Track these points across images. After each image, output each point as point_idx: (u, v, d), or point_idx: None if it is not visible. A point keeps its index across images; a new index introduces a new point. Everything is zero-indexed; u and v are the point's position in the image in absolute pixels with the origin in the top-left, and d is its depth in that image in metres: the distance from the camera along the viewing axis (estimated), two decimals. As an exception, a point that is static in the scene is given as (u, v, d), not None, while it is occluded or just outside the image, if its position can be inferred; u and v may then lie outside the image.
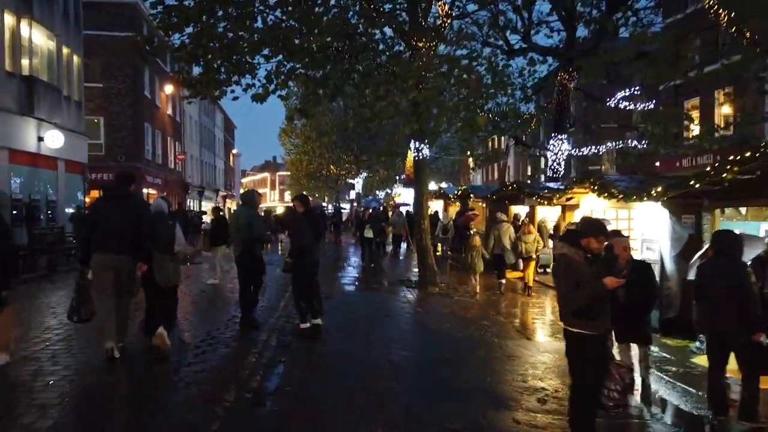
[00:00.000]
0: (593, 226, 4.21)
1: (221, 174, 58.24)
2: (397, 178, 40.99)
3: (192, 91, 11.32)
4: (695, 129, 22.08)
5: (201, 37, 10.65)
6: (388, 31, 12.01)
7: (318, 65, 11.24)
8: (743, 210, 7.90)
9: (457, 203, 23.65)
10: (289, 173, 52.24)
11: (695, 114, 23.54)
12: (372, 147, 40.38)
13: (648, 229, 9.61)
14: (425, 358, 6.88)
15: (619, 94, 18.24)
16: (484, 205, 19.96)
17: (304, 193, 8.44)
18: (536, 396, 5.56)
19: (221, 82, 11.27)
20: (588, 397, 4.17)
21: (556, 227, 13.75)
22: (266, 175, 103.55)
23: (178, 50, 10.38)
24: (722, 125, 19.31)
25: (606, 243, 5.78)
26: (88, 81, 26.96)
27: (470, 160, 60.30)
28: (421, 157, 12.48)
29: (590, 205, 11.51)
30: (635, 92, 19.56)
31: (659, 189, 7.78)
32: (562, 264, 4.16)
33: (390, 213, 22.23)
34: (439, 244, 19.22)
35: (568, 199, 11.54)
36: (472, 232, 19.63)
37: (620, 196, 8.79)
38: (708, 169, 6.84)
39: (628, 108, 19.43)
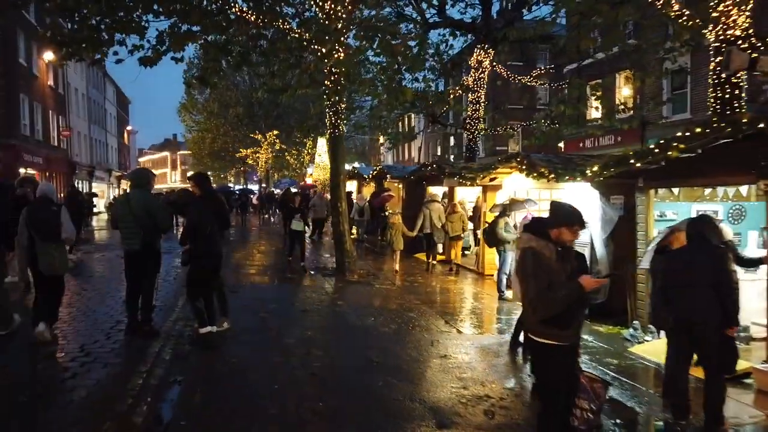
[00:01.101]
0: (567, 214, 3.45)
1: (114, 152, 53.62)
2: (310, 160, 39.54)
3: (64, 52, 9.51)
4: (597, 111, 22.78)
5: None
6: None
7: (217, 28, 9.84)
8: (676, 191, 7.63)
9: (372, 184, 22.89)
10: (190, 152, 48.96)
11: (595, 97, 24.26)
12: (281, 125, 38.63)
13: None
14: (351, 364, 5.97)
15: (528, 75, 18.29)
16: (401, 185, 19.32)
17: (203, 172, 7.15)
18: (482, 407, 4.84)
19: (101, 42, 9.56)
20: (559, 421, 3.45)
21: (476, 209, 13.30)
22: (166, 154, 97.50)
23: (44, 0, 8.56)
24: (627, 106, 19.74)
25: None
26: (-54, 44, 23.34)
27: (381, 139, 60.01)
28: (337, 134, 11.43)
29: (513, 185, 11.08)
30: (541, 72, 19.66)
31: (595, 168, 7.32)
32: (529, 260, 3.37)
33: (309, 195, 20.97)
34: (354, 228, 18.37)
35: (492, 180, 11.03)
36: (388, 213, 19.01)
37: (551, 176, 8.31)
38: (652, 146, 6.39)
39: (539, 86, 19.56)
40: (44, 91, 32.23)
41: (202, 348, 6.16)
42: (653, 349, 6.50)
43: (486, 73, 16.72)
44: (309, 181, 34.55)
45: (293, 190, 18.11)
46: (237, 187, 47.33)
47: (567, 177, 7.92)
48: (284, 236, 15.24)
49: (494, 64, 16.81)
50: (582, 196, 9.20)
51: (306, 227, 18.15)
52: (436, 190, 15.44)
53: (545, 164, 8.84)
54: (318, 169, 32.48)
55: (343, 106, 11.53)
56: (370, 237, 19.70)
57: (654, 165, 6.62)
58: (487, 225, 9.93)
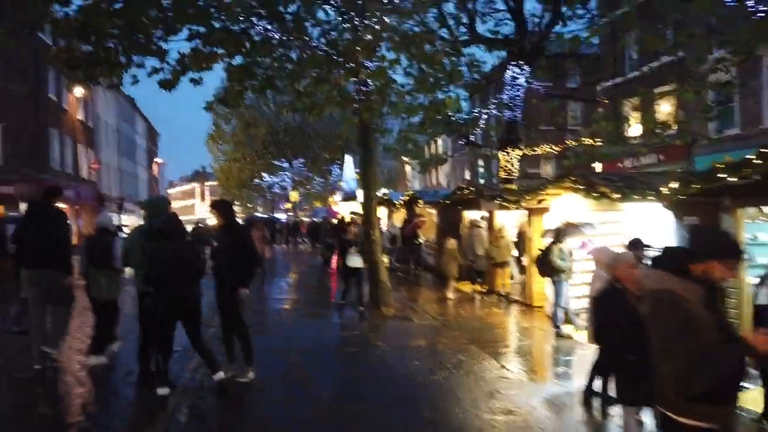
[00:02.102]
0: (718, 242, 2.47)
1: (144, 184, 54.09)
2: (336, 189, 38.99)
3: (79, 73, 8.95)
4: (635, 129, 21.63)
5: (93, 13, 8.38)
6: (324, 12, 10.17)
7: (239, 47, 9.19)
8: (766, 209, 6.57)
9: (403, 210, 22.02)
10: (219, 183, 49.06)
11: (635, 114, 22.97)
12: (306, 151, 38.31)
13: (643, 236, 8.22)
14: (402, 423, 5.00)
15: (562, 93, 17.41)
16: (434, 211, 18.40)
17: (225, 199, 6.38)
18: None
19: (118, 64, 8.98)
20: None
21: (520, 234, 12.28)
22: (194, 185, 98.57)
23: (57, 23, 8.02)
24: (672, 123, 18.45)
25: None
26: (-22, 81, 23.62)
27: (408, 167, 59.33)
28: (369, 156, 10.62)
29: (563, 207, 10.05)
30: (575, 89, 18.71)
31: (673, 185, 6.31)
32: (670, 311, 2.40)
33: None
34: (385, 257, 17.46)
35: (540, 202, 10.04)
36: (421, 240, 18.07)
37: (614, 196, 7.31)
38: (750, 157, 5.37)
39: (570, 108, 18.58)
40: (74, 124, 32.51)
41: (223, 404, 5.26)
42: None
43: (521, 90, 15.83)
44: (335, 209, 33.91)
45: (345, 218, 17.58)
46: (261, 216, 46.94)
47: (636, 196, 6.91)
48: (323, 271, 14.33)
49: (530, 81, 15.92)
50: (648, 218, 8.17)
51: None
52: (472, 215, 14.51)
53: (605, 183, 7.85)
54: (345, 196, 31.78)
55: (374, 126, 10.76)
56: (402, 265, 18.75)
57: (743, 180, 5.60)
58: (539, 252, 8.92)
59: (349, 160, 32.83)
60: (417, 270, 17.82)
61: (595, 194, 7.65)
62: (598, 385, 5.73)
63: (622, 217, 10.12)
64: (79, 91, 32.19)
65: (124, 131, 46.27)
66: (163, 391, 5.01)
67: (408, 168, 60.75)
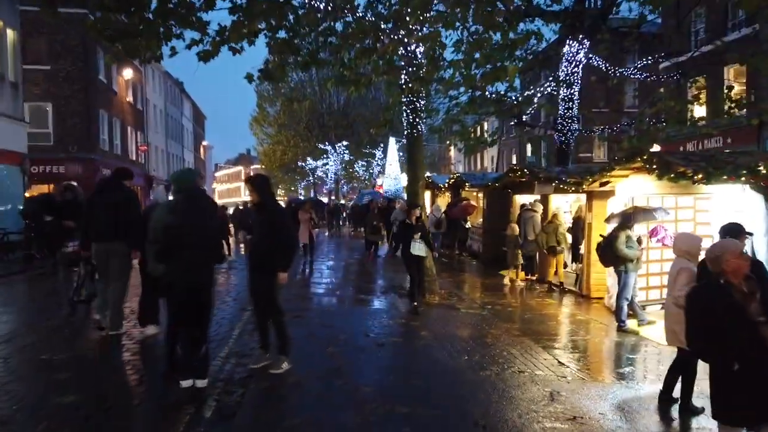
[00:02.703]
0: None
1: (191, 167, 54.97)
2: (375, 170, 38.39)
3: (117, 49, 8.61)
4: (700, 109, 20.09)
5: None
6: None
7: (278, 16, 8.64)
8: None
9: (447, 194, 21.27)
10: (262, 166, 49.30)
11: (702, 93, 21.27)
12: (350, 135, 37.87)
13: (727, 221, 7.31)
14: (449, 427, 4.41)
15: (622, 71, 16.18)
16: (480, 195, 17.60)
17: (262, 174, 5.90)
18: None
19: (157, 36, 8.58)
20: None
21: (577, 220, 11.42)
22: (240, 168, 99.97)
23: None
24: (739, 104, 16.92)
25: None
26: (33, 62, 24.01)
27: (452, 149, 58.14)
28: (415, 135, 9.98)
29: (630, 191, 9.14)
30: (636, 70, 17.41)
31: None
32: None
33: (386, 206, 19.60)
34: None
35: (603, 185, 9.17)
36: (468, 225, 17.33)
37: (698, 176, 6.42)
38: None
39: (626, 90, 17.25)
40: (123, 107, 33.00)
41: (255, 401, 4.78)
42: None
43: (580, 66, 14.77)
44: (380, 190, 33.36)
45: (397, 202, 17.04)
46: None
47: (725, 176, 6.03)
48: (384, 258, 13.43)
49: (590, 56, 14.84)
50: (732, 202, 7.25)
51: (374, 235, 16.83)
52: (523, 199, 13.68)
53: (683, 163, 6.96)
54: (388, 179, 31.23)
55: (423, 102, 10.09)
56: (447, 251, 18.08)
57: None
58: (603, 239, 8.10)
59: (392, 142, 32.18)
60: (462, 256, 17.12)
61: (673, 175, 6.77)
62: (677, 390, 5.00)
63: (701, 202, 9.20)
64: (128, 73, 32.63)
65: (171, 114, 46.92)
66: (186, 383, 4.55)
67: (452, 151, 59.70)
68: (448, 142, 56.42)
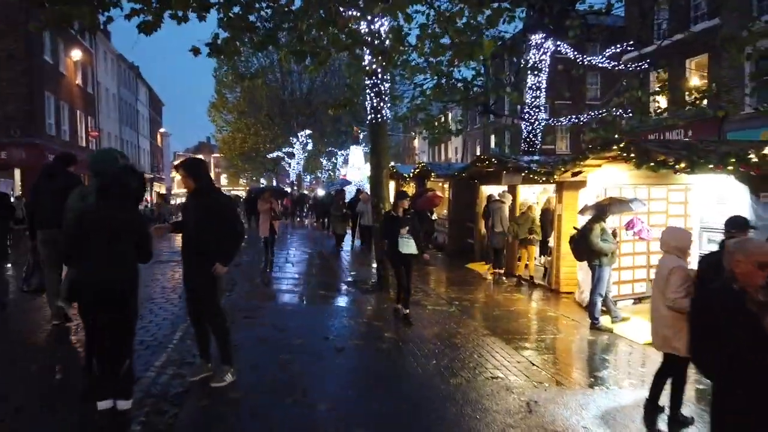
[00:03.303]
0: None
1: (146, 155, 52.87)
2: (339, 160, 37.56)
3: (44, 18, 7.65)
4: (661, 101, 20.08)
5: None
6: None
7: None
8: None
9: (412, 184, 20.74)
10: (221, 155, 47.76)
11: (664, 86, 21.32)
12: (314, 123, 36.97)
13: (708, 214, 6.97)
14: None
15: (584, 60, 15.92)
16: (447, 185, 17.13)
17: (196, 157, 5.09)
18: None
19: (95, 3, 7.67)
20: None
21: (546, 212, 11.02)
22: (200, 157, 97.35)
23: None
24: (697, 96, 16.77)
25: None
26: (-33, 40, 22.34)
27: (416, 139, 57.70)
28: (379, 120, 9.34)
29: (603, 181, 8.74)
30: (603, 59, 17.17)
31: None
32: None
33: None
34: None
35: (575, 174, 8.74)
36: (435, 217, 16.83)
37: (680, 166, 6.00)
38: None
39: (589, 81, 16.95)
40: (72, 89, 31.23)
41: (190, 423, 4.08)
42: None
43: (548, 54, 14.40)
44: (342, 180, 32.59)
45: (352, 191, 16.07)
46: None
47: (711, 165, 5.61)
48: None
49: (558, 43, 14.47)
50: (714, 193, 6.90)
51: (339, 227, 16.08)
52: (490, 190, 13.24)
53: (664, 151, 6.54)
54: (352, 169, 30.56)
55: (387, 86, 9.44)
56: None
57: None
58: (576, 232, 7.66)
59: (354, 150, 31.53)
60: (428, 247, 16.61)
61: (652, 164, 6.34)
62: (664, 398, 4.56)
63: (674, 193, 8.89)
64: (77, 54, 30.88)
65: (126, 99, 44.92)
66: (104, 404, 3.81)
67: (416, 141, 59.29)
68: (413, 132, 56.11)
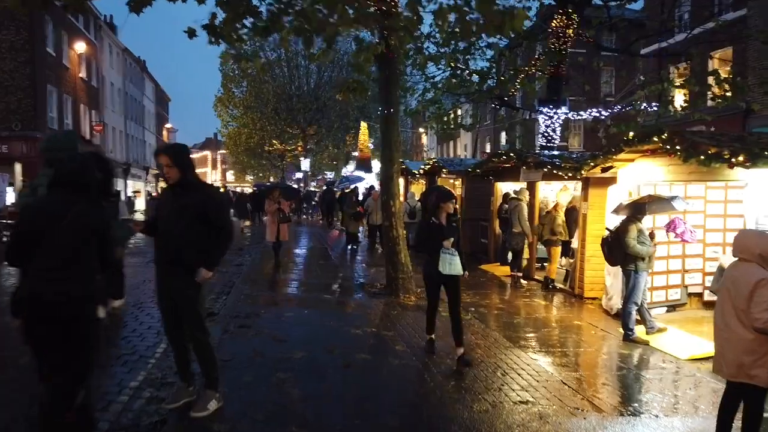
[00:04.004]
0: None
1: (152, 150, 52.38)
2: (350, 156, 36.83)
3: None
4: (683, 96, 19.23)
5: None
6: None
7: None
8: None
9: (422, 181, 19.99)
10: (227, 150, 47.08)
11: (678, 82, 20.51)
12: (321, 119, 36.27)
13: (763, 211, 6.20)
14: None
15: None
16: (458, 182, 16.36)
17: (181, 144, 4.39)
18: None
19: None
20: None
21: (571, 211, 10.23)
22: (207, 153, 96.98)
23: None
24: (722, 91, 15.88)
25: None
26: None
27: (424, 135, 56.88)
28: (391, 112, 8.60)
29: (635, 177, 7.96)
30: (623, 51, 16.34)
31: None
32: None
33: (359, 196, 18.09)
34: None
35: (605, 170, 7.97)
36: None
37: (739, 159, 5.22)
38: None
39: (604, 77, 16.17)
40: (76, 83, 30.68)
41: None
42: None
43: (569, 43, 13.61)
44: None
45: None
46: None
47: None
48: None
49: (580, 32, 13.67)
50: (764, 191, 6.12)
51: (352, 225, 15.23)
52: (506, 187, 12.48)
53: (713, 142, 5.77)
54: (360, 156, 29.77)
55: (399, 72, 8.71)
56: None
57: None
58: (609, 233, 6.90)
59: (364, 127, 30.75)
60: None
61: (702, 157, 5.57)
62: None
63: (712, 191, 8.12)
64: (81, 46, 30.33)
65: (131, 94, 44.41)
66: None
67: (424, 138, 58.46)
68: (421, 129, 55.29)
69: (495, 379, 5.20)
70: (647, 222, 7.33)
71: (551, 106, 13.64)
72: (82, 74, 31.87)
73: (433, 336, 6.06)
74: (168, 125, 61.72)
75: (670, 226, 6.92)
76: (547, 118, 13.99)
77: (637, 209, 6.61)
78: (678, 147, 5.98)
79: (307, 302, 8.38)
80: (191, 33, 7.23)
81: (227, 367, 4.68)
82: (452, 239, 5.62)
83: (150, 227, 4.01)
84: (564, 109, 14.05)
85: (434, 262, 5.59)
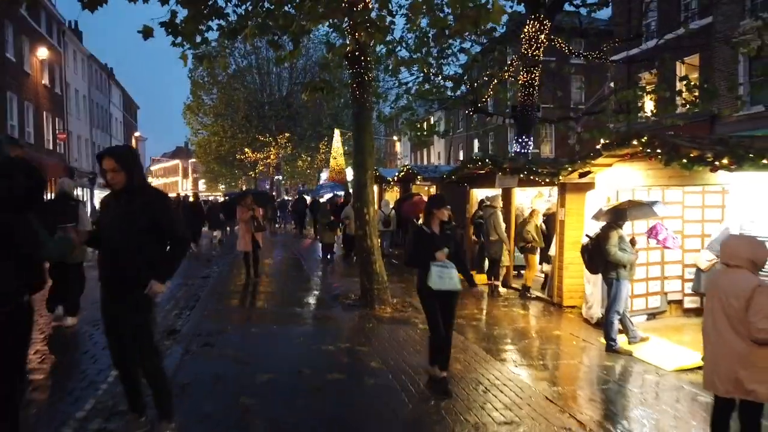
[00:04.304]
0: None
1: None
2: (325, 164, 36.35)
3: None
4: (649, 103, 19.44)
5: None
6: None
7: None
8: None
9: (395, 188, 19.74)
10: (197, 158, 46.13)
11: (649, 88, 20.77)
12: (293, 126, 35.81)
13: (746, 216, 6.04)
14: None
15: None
16: (433, 189, 16.16)
17: (129, 145, 3.94)
18: None
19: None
20: None
21: (549, 217, 10.03)
22: (177, 161, 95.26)
23: None
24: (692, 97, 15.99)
25: None
26: None
27: (398, 144, 56.78)
28: (363, 112, 8.28)
29: (614, 182, 7.79)
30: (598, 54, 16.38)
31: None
32: None
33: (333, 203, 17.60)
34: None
35: (583, 175, 7.78)
36: (420, 223, 15.81)
37: (723, 162, 5.04)
38: None
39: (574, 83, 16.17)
40: (38, 90, 29.67)
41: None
42: None
43: (542, 49, 13.51)
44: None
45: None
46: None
47: (765, 161, 4.66)
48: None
49: (552, 37, 13.60)
50: (753, 195, 5.98)
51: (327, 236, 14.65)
52: (482, 194, 12.29)
53: (694, 145, 5.60)
54: (333, 172, 29.43)
55: (372, 74, 8.41)
56: (396, 251, 16.52)
57: None
58: (589, 240, 6.68)
59: (337, 134, 30.39)
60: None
61: (685, 161, 5.39)
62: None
63: (689, 196, 8.02)
64: (43, 52, 29.33)
65: (97, 101, 43.26)
66: None
67: (398, 146, 58.35)
68: (395, 137, 55.15)
69: (476, 397, 4.90)
70: (627, 228, 7.17)
71: (523, 112, 13.48)
72: (45, 81, 30.85)
73: (445, 374, 5.00)
74: (137, 133, 60.36)
75: (652, 233, 6.75)
76: (520, 123, 13.85)
77: (617, 215, 6.41)
78: (659, 150, 5.80)
79: (276, 317, 7.95)
80: (147, 32, 6.80)
81: (185, 393, 4.28)
82: (445, 250, 4.93)
83: (95, 239, 3.59)
84: (538, 114, 13.95)
85: (425, 276, 4.94)
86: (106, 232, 3.49)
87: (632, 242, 6.57)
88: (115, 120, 49.46)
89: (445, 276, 4.89)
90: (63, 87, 34.58)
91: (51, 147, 31.79)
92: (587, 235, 6.78)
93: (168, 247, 3.58)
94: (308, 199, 26.86)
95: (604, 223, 6.58)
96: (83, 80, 39.40)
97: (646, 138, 6.09)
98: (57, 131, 32.70)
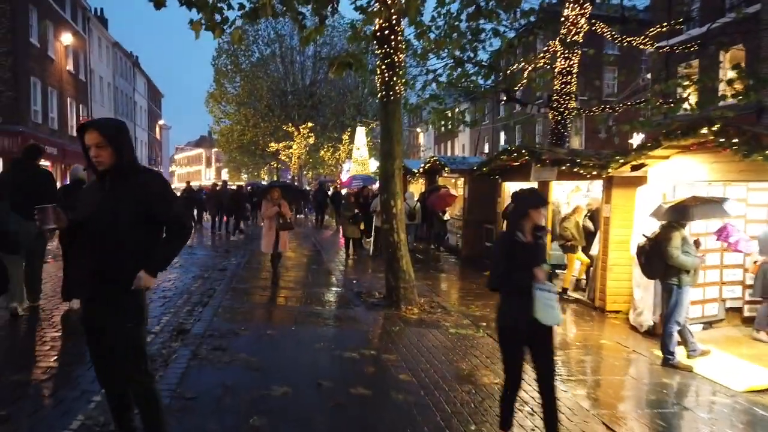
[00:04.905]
0: None
1: (144, 147, 51.18)
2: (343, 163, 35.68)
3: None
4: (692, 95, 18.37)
5: None
6: None
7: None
8: None
9: (421, 181, 19.03)
10: (219, 147, 45.86)
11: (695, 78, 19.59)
12: (316, 116, 35.27)
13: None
14: None
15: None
16: (461, 182, 15.43)
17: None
18: None
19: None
20: None
21: (592, 214, 9.25)
22: (201, 150, 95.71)
23: None
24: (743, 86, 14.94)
25: None
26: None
27: (420, 135, 55.92)
28: (392, 99, 7.62)
29: (670, 176, 7.01)
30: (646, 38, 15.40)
31: None
32: None
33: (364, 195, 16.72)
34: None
35: (636, 168, 7.01)
36: (448, 217, 15.12)
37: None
38: None
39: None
40: (62, 76, 29.55)
41: None
42: None
43: (581, 34, 12.65)
44: (344, 178, 30.71)
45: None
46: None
47: None
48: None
49: (593, 21, 12.73)
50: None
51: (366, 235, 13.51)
52: (514, 187, 11.53)
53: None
54: (356, 164, 28.81)
55: (402, 56, 7.72)
56: (421, 245, 15.87)
57: None
58: (646, 241, 5.94)
59: (360, 132, 29.72)
60: (439, 251, 14.92)
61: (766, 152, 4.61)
62: None
63: (754, 194, 7.21)
64: (67, 38, 29.19)
65: (122, 89, 43.27)
66: None
67: (421, 138, 57.51)
68: (418, 129, 54.29)
69: (522, 420, 4.24)
70: (700, 228, 6.42)
71: (561, 101, 12.65)
72: (69, 67, 30.75)
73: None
74: (161, 122, 60.57)
75: (722, 234, 5.97)
76: (557, 113, 13.02)
77: (680, 213, 5.65)
78: (734, 140, 5.02)
79: (295, 316, 7.35)
80: (159, 2, 6.19)
81: (187, 411, 3.70)
82: (545, 267, 3.61)
83: (78, 227, 2.98)
84: (575, 104, 13.10)
85: (523, 306, 3.49)
86: (88, 221, 2.88)
87: (696, 244, 5.81)
88: (139, 108, 49.52)
89: (554, 304, 3.54)
90: (87, 74, 34.50)
91: (74, 133, 31.72)
92: (644, 235, 6.02)
93: (165, 235, 2.98)
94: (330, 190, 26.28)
95: (663, 222, 5.84)
96: (108, 67, 39.38)
97: (719, 126, 5.31)
98: (81, 117, 32.64)
